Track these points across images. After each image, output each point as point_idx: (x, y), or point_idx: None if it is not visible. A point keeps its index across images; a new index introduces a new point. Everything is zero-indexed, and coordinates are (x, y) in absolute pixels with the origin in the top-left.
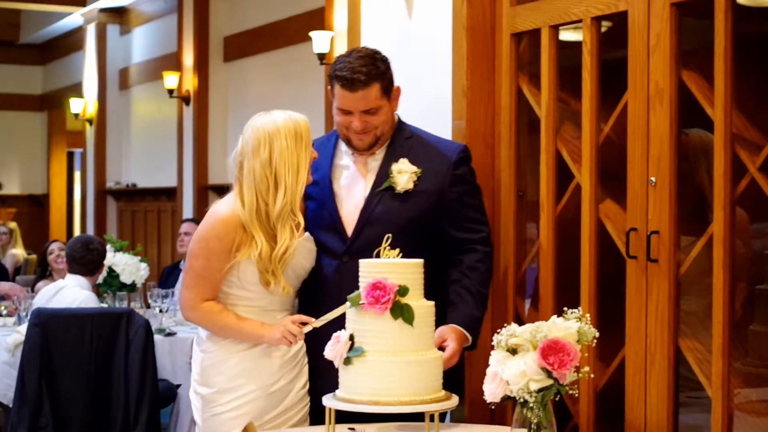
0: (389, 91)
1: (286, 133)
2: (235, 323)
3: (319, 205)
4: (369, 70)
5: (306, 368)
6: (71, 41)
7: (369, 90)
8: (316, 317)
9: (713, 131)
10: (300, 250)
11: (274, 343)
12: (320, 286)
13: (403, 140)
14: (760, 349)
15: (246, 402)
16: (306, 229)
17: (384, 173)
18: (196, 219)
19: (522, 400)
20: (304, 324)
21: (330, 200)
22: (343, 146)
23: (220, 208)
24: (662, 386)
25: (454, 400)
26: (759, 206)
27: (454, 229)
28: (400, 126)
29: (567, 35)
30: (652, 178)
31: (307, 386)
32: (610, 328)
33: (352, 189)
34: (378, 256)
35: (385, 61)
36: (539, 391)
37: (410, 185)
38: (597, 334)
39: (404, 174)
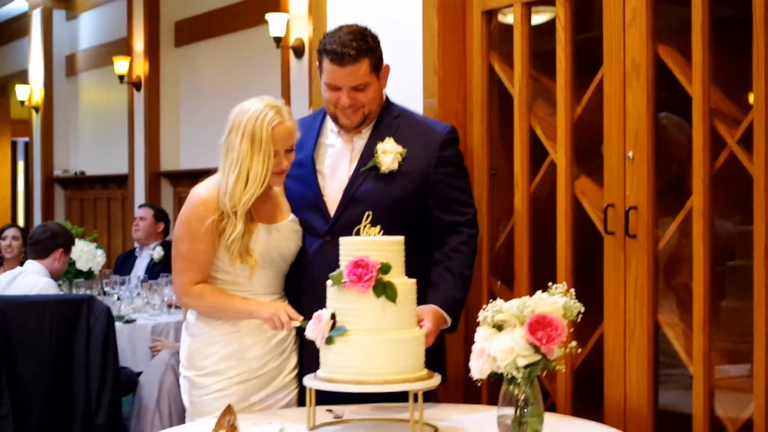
0: (378, 68)
1: (245, 131)
2: (227, 301)
3: (302, 184)
4: (359, 45)
5: (295, 353)
6: (15, 27)
7: (358, 65)
8: (298, 295)
9: (691, 105)
10: (286, 233)
11: (262, 319)
12: (303, 266)
13: (390, 119)
14: (733, 325)
15: (232, 384)
16: (291, 209)
17: (369, 153)
18: (152, 204)
19: (510, 376)
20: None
21: (313, 179)
22: (329, 124)
23: (200, 189)
24: (642, 362)
25: (437, 378)
26: (737, 180)
27: (440, 211)
28: (387, 105)
29: (535, 18)
30: (630, 154)
31: (297, 370)
32: (585, 305)
33: (337, 168)
34: (358, 233)
35: (375, 38)
36: (527, 366)
37: (395, 165)
38: (582, 309)
39: (389, 154)
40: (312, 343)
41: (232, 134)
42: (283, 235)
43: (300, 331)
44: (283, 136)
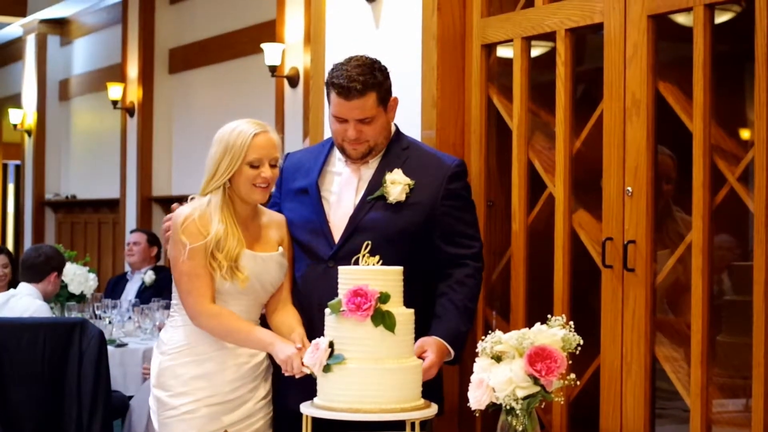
0: (386, 101)
1: (221, 140)
2: (247, 328)
3: (307, 209)
4: (366, 79)
5: (268, 381)
6: (10, 51)
7: (365, 99)
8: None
9: (689, 141)
10: (271, 264)
11: (277, 359)
12: (305, 290)
13: (399, 150)
14: (728, 360)
15: (201, 406)
16: (293, 232)
17: (377, 182)
18: (144, 229)
19: (508, 407)
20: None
21: (318, 205)
22: (337, 153)
23: (184, 209)
24: (639, 396)
25: (434, 408)
26: (736, 216)
27: (445, 243)
28: (397, 136)
29: (533, 51)
30: (629, 188)
31: (270, 396)
32: (580, 338)
33: (343, 196)
34: (357, 263)
35: (383, 71)
36: (526, 398)
37: (402, 197)
38: (581, 342)
39: (397, 185)
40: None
41: (213, 147)
42: (267, 265)
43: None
44: (266, 144)
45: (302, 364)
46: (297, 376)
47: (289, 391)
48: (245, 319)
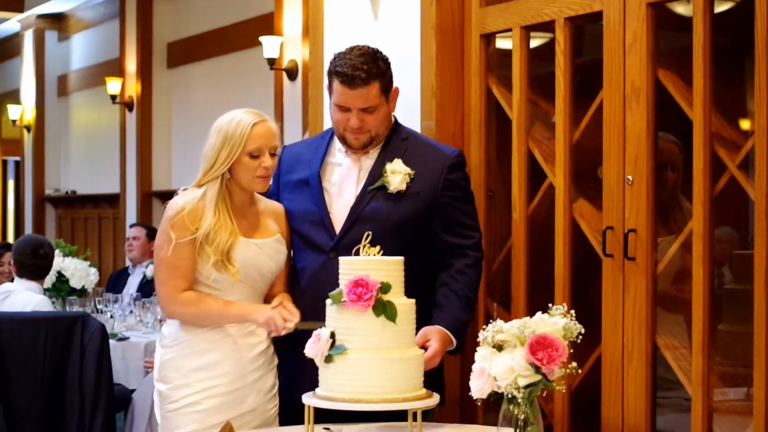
0: (388, 90)
1: (220, 130)
2: (220, 307)
3: (308, 200)
4: (370, 68)
5: (274, 370)
6: (7, 47)
7: (369, 88)
8: (301, 311)
9: (689, 129)
10: (267, 251)
11: (258, 324)
12: (306, 281)
13: (398, 141)
14: (729, 348)
15: (203, 398)
16: (293, 224)
17: (377, 172)
18: (144, 223)
19: (510, 396)
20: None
21: (320, 197)
22: (337, 144)
23: (178, 200)
24: (640, 384)
25: (436, 397)
26: (737, 204)
27: (446, 234)
28: (396, 127)
29: (533, 41)
30: (629, 177)
31: (276, 389)
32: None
33: (344, 186)
34: (358, 253)
35: (385, 60)
36: (527, 386)
37: (403, 186)
38: (582, 330)
39: (398, 174)
40: (291, 359)
41: (211, 137)
42: (263, 252)
43: (296, 333)
44: (265, 133)
45: (284, 320)
46: (283, 333)
47: (295, 383)
48: None
